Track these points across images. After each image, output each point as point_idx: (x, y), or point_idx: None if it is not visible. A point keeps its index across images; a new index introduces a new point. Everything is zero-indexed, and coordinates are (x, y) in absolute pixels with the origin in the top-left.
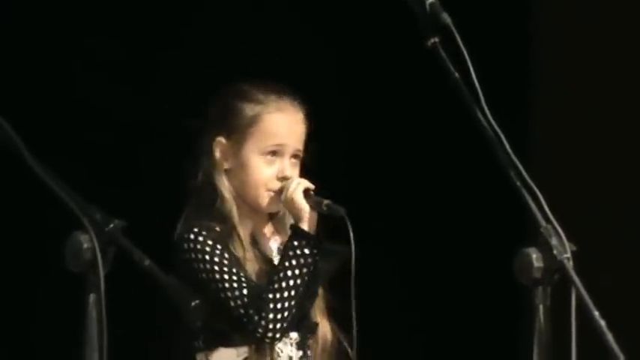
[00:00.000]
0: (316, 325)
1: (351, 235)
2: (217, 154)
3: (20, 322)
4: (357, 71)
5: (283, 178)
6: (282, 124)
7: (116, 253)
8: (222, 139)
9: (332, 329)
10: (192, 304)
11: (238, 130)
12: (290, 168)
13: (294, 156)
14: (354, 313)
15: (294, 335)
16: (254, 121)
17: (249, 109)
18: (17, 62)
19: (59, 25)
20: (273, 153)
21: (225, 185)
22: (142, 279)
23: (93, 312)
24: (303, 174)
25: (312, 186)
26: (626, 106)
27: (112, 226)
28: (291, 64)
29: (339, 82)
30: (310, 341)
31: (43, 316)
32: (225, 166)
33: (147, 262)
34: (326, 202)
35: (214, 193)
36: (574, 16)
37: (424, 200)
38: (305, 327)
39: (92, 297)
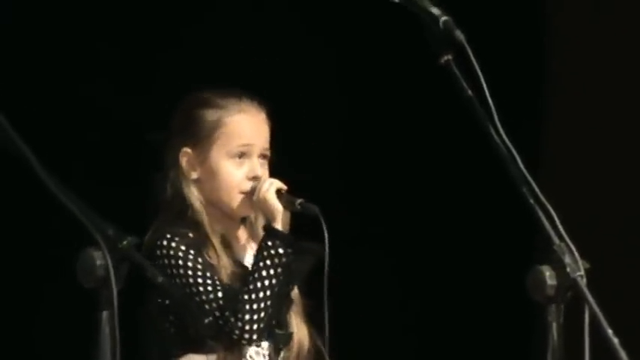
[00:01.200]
0: (291, 335)
1: (325, 233)
2: (184, 165)
3: (32, 338)
4: (361, 77)
5: (254, 178)
6: (245, 125)
7: (130, 270)
8: (187, 150)
9: (309, 334)
10: (206, 321)
11: (202, 138)
12: (259, 168)
13: (262, 156)
14: (325, 313)
15: (265, 345)
16: (217, 125)
17: (210, 115)
18: (17, 62)
19: (59, 26)
20: (241, 154)
21: (194, 195)
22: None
23: (106, 328)
24: (276, 174)
25: (284, 186)
26: None
27: (125, 242)
28: (293, 66)
29: (342, 86)
30: (283, 352)
31: (55, 332)
32: (194, 176)
33: (160, 278)
34: (299, 200)
35: (184, 204)
36: (589, 33)
37: (435, 214)
38: (278, 337)
39: (105, 314)
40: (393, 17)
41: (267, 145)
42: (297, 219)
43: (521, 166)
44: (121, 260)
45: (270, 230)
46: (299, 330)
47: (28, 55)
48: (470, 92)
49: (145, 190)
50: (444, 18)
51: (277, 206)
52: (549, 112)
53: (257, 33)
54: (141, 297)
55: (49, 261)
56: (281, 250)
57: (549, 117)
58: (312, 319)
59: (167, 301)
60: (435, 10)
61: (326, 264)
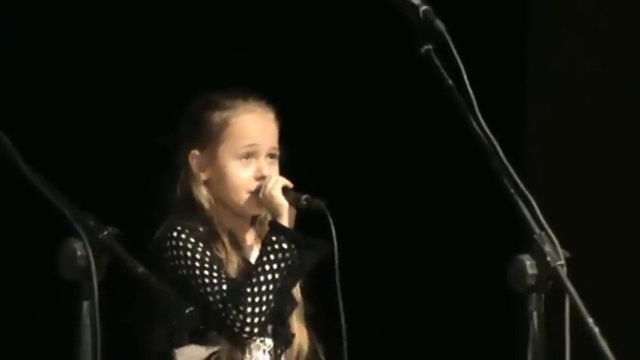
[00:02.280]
0: (292, 336)
1: (332, 228)
2: (194, 167)
3: (15, 330)
4: (347, 72)
5: (261, 178)
6: (252, 125)
7: (110, 260)
8: (196, 152)
9: (310, 338)
10: (187, 310)
11: (210, 139)
12: (267, 167)
13: (270, 155)
14: (341, 308)
15: (268, 342)
16: (223, 126)
17: (217, 116)
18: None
19: (61, 24)
20: (248, 154)
21: (204, 196)
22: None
23: (87, 319)
24: (285, 174)
25: (289, 183)
26: (621, 114)
27: (105, 233)
28: (277, 65)
29: (331, 85)
30: (284, 352)
31: (38, 323)
32: (204, 177)
33: (141, 269)
34: (305, 196)
35: (194, 205)
36: (573, 22)
37: (417, 205)
38: (281, 337)
39: (86, 304)
40: (383, 21)
41: (275, 144)
42: (306, 217)
43: (502, 155)
44: (102, 250)
45: (275, 225)
46: (299, 333)
47: (25, 53)
48: (450, 82)
49: (151, 192)
50: (423, 7)
51: (283, 202)
52: (531, 101)
53: (244, 33)
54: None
55: (35, 258)
56: (285, 245)
57: (531, 107)
58: (314, 323)
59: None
60: (415, 0)
61: (336, 258)
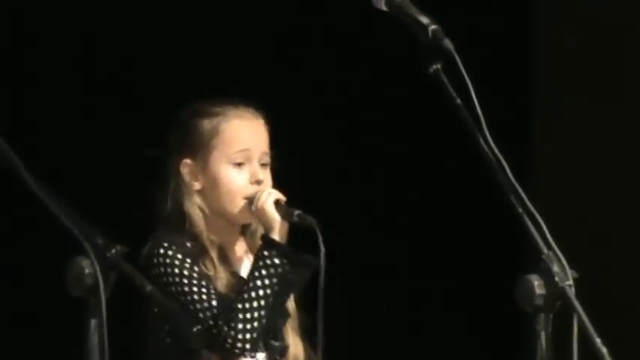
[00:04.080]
0: (286, 348)
1: (322, 246)
2: (186, 177)
3: (23, 347)
4: (353, 85)
5: (257, 182)
6: (242, 130)
7: (118, 279)
8: (187, 161)
9: (304, 349)
10: (195, 329)
11: (201, 147)
12: (261, 172)
13: (262, 164)
14: (320, 325)
15: (260, 356)
16: (214, 133)
17: (207, 124)
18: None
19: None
20: (240, 160)
21: (196, 206)
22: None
23: (95, 337)
24: (276, 185)
25: (283, 197)
26: (632, 125)
27: (113, 251)
28: (280, 72)
29: (330, 97)
30: None
31: (46, 341)
32: (197, 186)
33: (149, 287)
34: (297, 212)
35: (184, 216)
36: (578, 38)
37: (422, 224)
38: (274, 349)
39: (94, 322)
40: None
41: (266, 149)
42: (298, 231)
43: (510, 174)
44: (110, 269)
45: (267, 240)
46: (295, 344)
47: (23, 65)
48: (458, 100)
49: (142, 202)
50: (432, 27)
51: (275, 216)
52: (538, 120)
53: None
54: (136, 306)
55: (37, 268)
56: (277, 261)
57: (538, 125)
58: (308, 334)
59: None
60: (424, 19)
61: (321, 277)
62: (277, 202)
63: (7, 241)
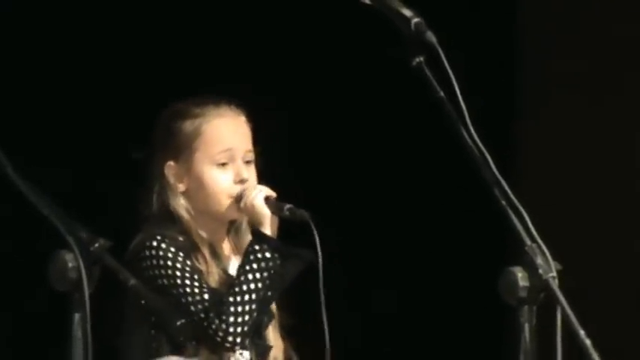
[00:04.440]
0: (270, 348)
1: (317, 239)
2: (171, 178)
3: (5, 341)
4: (334, 80)
5: (241, 181)
6: (224, 129)
7: (101, 272)
8: (171, 163)
9: (285, 349)
10: (178, 323)
11: (184, 149)
12: (245, 171)
13: (247, 161)
14: (324, 319)
15: (246, 354)
16: (196, 134)
17: (189, 125)
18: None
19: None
20: (224, 160)
21: (182, 207)
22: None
23: (78, 331)
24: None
25: (272, 193)
26: (613, 121)
27: (97, 245)
28: (266, 68)
29: (318, 92)
30: None
31: (28, 335)
32: (181, 188)
33: (132, 281)
34: (288, 206)
35: (172, 217)
36: (563, 30)
37: (408, 217)
38: (258, 348)
39: (77, 316)
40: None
41: (249, 147)
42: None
43: (493, 167)
44: (93, 263)
45: (257, 234)
46: (275, 343)
47: (13, 58)
48: (441, 93)
49: (128, 202)
50: (415, 20)
51: (265, 212)
52: (522, 112)
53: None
54: (121, 298)
55: (26, 270)
56: (268, 255)
57: (521, 117)
58: (290, 334)
59: None
60: (407, 12)
61: (320, 270)
62: (267, 199)
63: None
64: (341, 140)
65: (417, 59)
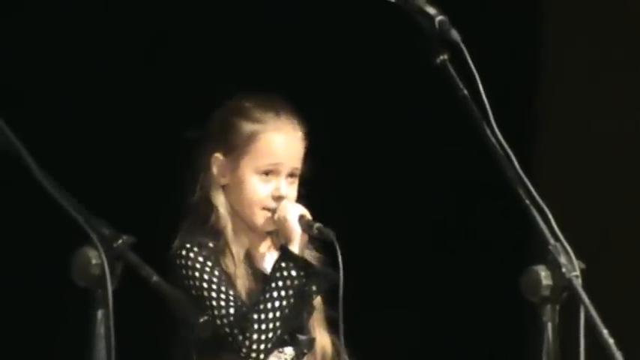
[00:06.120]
0: (313, 340)
1: (340, 259)
2: (215, 170)
3: (29, 338)
4: (356, 77)
5: (278, 198)
6: (278, 143)
7: (124, 269)
8: (219, 156)
9: (332, 341)
10: (201, 319)
11: (235, 148)
12: (286, 187)
13: (291, 175)
14: (341, 337)
15: (289, 350)
16: (251, 139)
17: (247, 127)
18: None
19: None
20: (269, 172)
21: (221, 201)
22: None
23: (101, 328)
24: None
25: (307, 213)
26: (634, 122)
27: (120, 241)
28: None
29: (347, 101)
30: (306, 358)
31: (52, 332)
32: (223, 182)
33: (155, 278)
34: (317, 225)
35: (210, 208)
36: (586, 31)
37: (432, 224)
38: (301, 343)
39: (100, 313)
40: (389, 17)
41: (298, 164)
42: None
43: (517, 165)
44: (116, 259)
45: (285, 252)
46: (320, 337)
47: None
48: (465, 92)
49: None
50: (439, 17)
51: (296, 228)
52: (545, 111)
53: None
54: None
55: (46, 262)
56: (294, 273)
57: (545, 117)
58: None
59: None
60: (431, 10)
61: (340, 290)
62: (301, 217)
63: (13, 231)
64: (359, 153)
65: (441, 57)
